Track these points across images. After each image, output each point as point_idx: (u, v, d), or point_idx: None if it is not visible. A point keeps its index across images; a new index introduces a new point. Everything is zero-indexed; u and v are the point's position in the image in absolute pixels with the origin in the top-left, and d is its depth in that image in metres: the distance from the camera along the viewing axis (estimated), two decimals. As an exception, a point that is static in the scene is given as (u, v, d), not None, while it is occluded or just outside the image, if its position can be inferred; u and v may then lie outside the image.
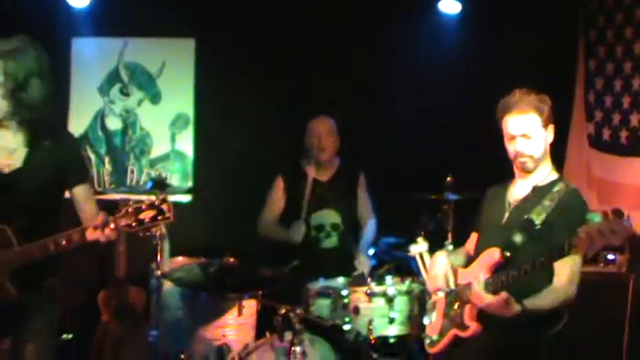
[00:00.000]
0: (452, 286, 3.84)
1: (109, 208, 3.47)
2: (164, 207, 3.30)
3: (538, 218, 3.58)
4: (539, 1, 6.11)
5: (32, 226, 3.46)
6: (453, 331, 3.73)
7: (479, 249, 3.82)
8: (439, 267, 3.90)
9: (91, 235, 3.36)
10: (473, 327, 3.62)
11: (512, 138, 3.72)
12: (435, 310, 3.94)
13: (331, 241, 5.50)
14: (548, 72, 6.14)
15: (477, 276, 3.56)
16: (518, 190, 3.83)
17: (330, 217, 5.52)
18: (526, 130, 3.68)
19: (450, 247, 5.03)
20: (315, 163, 5.56)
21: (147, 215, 3.30)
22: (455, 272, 3.86)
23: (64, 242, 3.37)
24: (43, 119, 3.50)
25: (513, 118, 3.71)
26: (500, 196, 3.91)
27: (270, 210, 5.61)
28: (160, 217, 3.31)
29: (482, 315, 3.58)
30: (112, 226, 3.32)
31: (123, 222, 3.32)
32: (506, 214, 3.78)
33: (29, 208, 3.48)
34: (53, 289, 3.65)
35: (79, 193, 3.65)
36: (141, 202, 3.34)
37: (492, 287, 3.49)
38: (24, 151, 3.50)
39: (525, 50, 6.10)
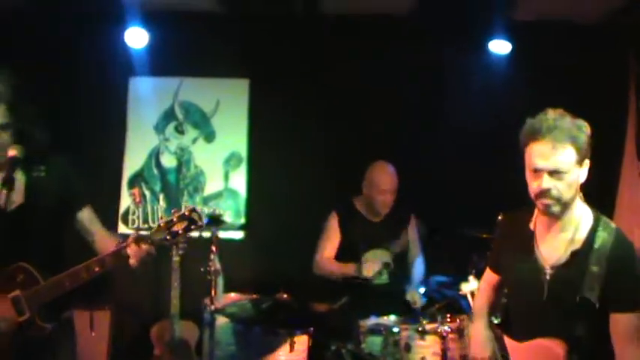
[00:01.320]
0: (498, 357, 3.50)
1: (162, 245, 3.47)
2: (194, 216, 3.34)
3: (592, 294, 2.96)
4: (589, 40, 6.13)
5: (51, 259, 3.50)
6: None
7: (521, 323, 3.28)
8: (485, 339, 3.57)
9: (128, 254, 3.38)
10: None
11: (538, 172, 3.05)
12: None
13: (382, 279, 5.52)
14: (599, 109, 6.13)
15: None
16: (550, 245, 3.17)
17: (381, 256, 5.56)
18: (557, 165, 3.01)
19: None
20: (374, 211, 5.63)
21: (179, 227, 3.33)
22: (503, 343, 3.41)
23: (97, 268, 3.39)
24: (38, 148, 3.51)
25: (542, 147, 3.04)
26: (523, 241, 3.25)
27: (328, 245, 5.62)
28: (192, 227, 3.34)
29: None
30: (149, 241, 3.35)
31: (158, 236, 3.36)
32: (545, 287, 3.12)
33: (42, 243, 3.51)
34: (71, 321, 3.68)
35: (85, 216, 3.66)
36: (170, 216, 3.36)
37: None
38: (22, 186, 3.48)
39: (575, 88, 6.11)
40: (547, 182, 3.02)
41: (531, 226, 3.27)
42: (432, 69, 6.31)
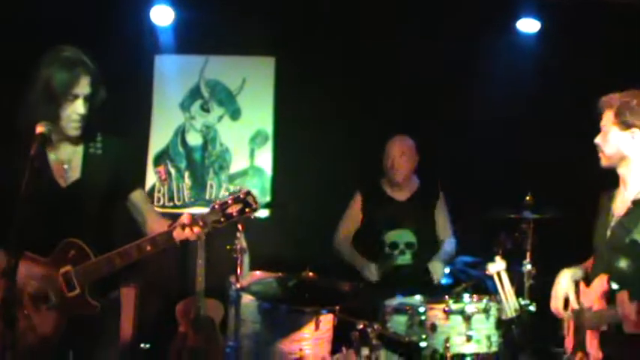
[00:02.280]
0: (575, 305, 3.80)
1: (215, 227, 3.45)
2: (249, 199, 3.35)
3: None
4: (618, 17, 6.05)
5: (101, 237, 3.52)
6: (579, 355, 3.72)
7: (593, 268, 3.81)
8: (560, 288, 3.87)
9: (180, 235, 3.39)
10: (593, 354, 3.58)
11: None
12: (567, 327, 3.92)
13: (404, 259, 5.53)
14: (630, 87, 6.06)
15: (591, 305, 3.59)
16: (620, 201, 3.77)
17: (404, 236, 5.56)
18: (602, 124, 3.78)
19: (529, 266, 5.00)
20: (393, 182, 5.61)
21: (234, 209, 3.34)
22: (577, 291, 3.83)
23: (148, 247, 3.41)
24: (96, 126, 3.58)
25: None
26: (606, 205, 3.85)
27: (347, 225, 5.70)
28: (247, 210, 3.35)
29: (602, 343, 3.53)
30: (201, 223, 3.36)
31: (211, 218, 3.36)
32: (609, 232, 3.72)
33: (94, 220, 3.53)
34: (118, 301, 3.70)
35: (138, 197, 3.69)
36: (225, 198, 3.39)
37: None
38: (79, 161, 3.54)
39: (605, 67, 6.04)
40: (597, 138, 3.81)
41: (615, 198, 3.83)
42: (461, 49, 6.25)
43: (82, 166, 3.53)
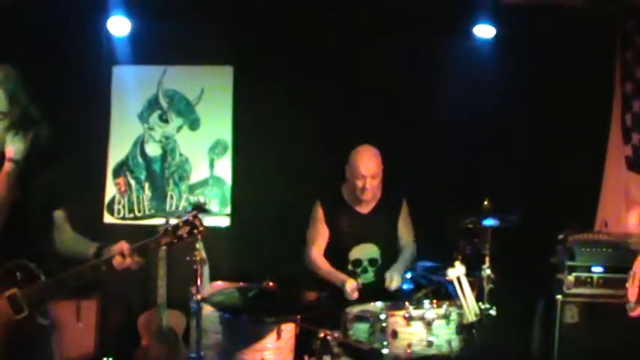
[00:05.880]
0: None
1: (149, 233, 3.61)
2: (196, 222, 3.51)
3: None
4: (575, 25, 6.13)
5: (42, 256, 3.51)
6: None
7: None
8: None
9: (121, 264, 3.46)
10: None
11: None
12: (632, 278, 4.21)
13: (367, 277, 5.42)
14: (584, 95, 6.16)
15: None
16: None
17: (368, 252, 5.44)
18: None
19: (488, 270, 5.04)
20: (359, 199, 5.41)
21: (184, 231, 3.50)
22: None
23: (103, 268, 3.47)
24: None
25: None
26: None
27: (317, 240, 5.44)
28: (195, 231, 3.51)
29: None
30: (154, 245, 3.51)
31: (165, 240, 3.49)
32: None
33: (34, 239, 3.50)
34: (52, 317, 3.65)
35: (60, 215, 3.67)
36: (176, 220, 3.55)
37: None
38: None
39: (560, 74, 6.12)
40: None
41: None
42: (418, 54, 6.29)
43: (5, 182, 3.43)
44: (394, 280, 5.12)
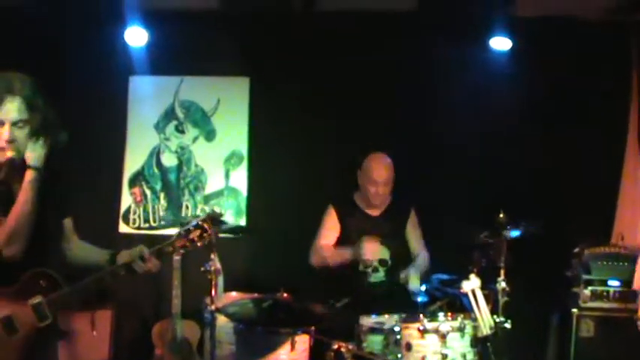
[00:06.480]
0: None
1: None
2: (206, 225, 3.67)
3: None
4: (591, 36, 6.12)
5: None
6: None
7: None
8: None
9: (140, 268, 3.56)
10: None
11: None
12: None
13: (378, 276, 5.51)
14: (601, 106, 6.15)
15: None
16: None
17: (378, 252, 5.52)
18: None
19: (503, 283, 5.02)
20: (370, 204, 5.61)
21: (195, 234, 3.66)
22: None
23: (122, 272, 3.55)
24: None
25: None
26: None
27: (326, 235, 5.60)
28: (205, 235, 3.68)
29: None
30: (170, 249, 3.65)
31: (179, 243, 3.64)
32: None
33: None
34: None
35: (68, 224, 3.73)
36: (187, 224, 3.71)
37: None
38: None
39: (576, 85, 6.11)
40: None
41: None
42: (433, 65, 6.29)
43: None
44: (411, 278, 5.19)
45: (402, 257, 5.59)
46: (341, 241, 5.61)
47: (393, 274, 5.46)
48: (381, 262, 5.51)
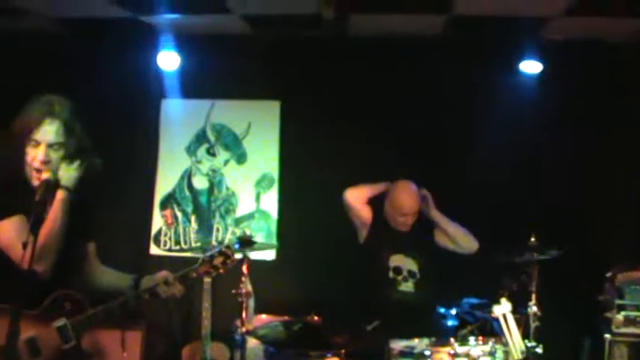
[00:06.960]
0: None
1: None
2: (229, 252, 3.71)
3: None
4: (619, 59, 6.11)
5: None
6: None
7: None
8: None
9: (165, 292, 3.62)
10: None
11: None
12: None
13: (407, 285, 5.50)
14: (630, 130, 6.11)
15: None
16: None
17: (406, 263, 5.54)
18: None
19: (534, 308, 4.98)
20: (399, 224, 5.62)
21: (218, 261, 3.69)
22: None
23: (146, 296, 3.60)
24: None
25: None
26: None
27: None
28: (228, 261, 3.70)
29: None
30: (194, 274, 3.67)
31: (202, 269, 3.67)
32: None
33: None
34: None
35: (91, 248, 3.81)
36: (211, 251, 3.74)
37: None
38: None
39: (605, 108, 6.09)
40: None
41: None
42: (464, 90, 6.29)
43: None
44: (459, 237, 5.58)
45: (431, 270, 5.59)
46: (368, 250, 5.63)
47: (422, 287, 5.45)
48: (410, 273, 5.51)
